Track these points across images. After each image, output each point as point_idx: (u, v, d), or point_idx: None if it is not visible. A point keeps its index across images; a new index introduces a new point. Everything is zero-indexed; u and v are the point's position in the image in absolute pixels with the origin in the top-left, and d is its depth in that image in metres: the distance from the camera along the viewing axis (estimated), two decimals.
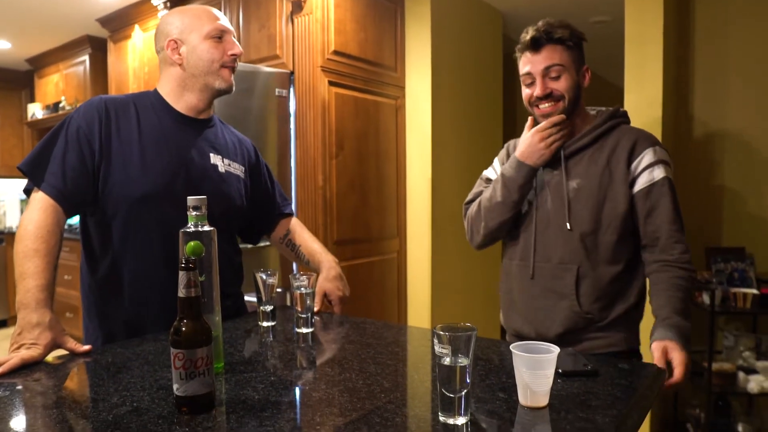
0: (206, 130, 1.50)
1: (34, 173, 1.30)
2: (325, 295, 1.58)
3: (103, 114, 1.36)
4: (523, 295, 1.54)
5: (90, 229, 1.40)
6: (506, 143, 1.70)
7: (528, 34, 1.45)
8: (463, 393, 0.83)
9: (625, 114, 1.54)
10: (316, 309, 1.47)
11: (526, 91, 1.49)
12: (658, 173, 1.42)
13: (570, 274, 1.46)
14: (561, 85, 1.44)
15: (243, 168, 1.57)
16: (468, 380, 0.83)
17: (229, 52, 1.44)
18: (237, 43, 1.47)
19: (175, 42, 1.43)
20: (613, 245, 1.44)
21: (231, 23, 2.19)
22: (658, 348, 1.29)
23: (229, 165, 1.52)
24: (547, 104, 1.46)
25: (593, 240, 1.45)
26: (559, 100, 1.45)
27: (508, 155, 1.63)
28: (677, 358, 1.27)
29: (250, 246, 1.80)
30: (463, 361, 0.83)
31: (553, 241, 1.49)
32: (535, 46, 1.44)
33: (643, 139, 1.46)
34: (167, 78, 1.46)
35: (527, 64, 1.47)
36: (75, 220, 1.43)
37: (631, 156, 1.44)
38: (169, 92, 1.46)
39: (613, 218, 1.43)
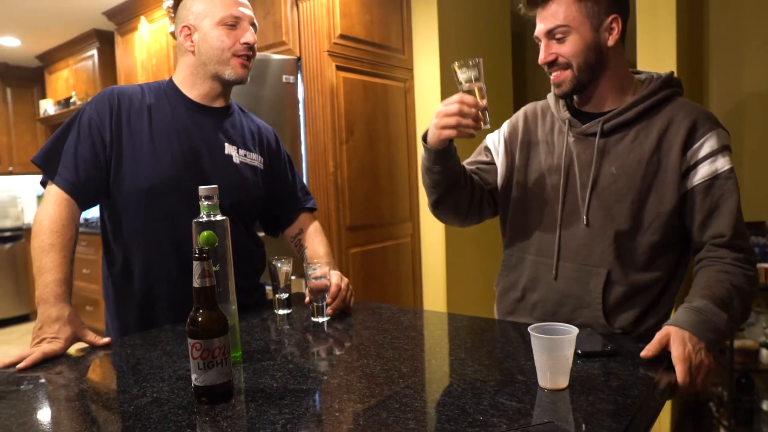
0: (222, 119, 1.47)
1: (48, 166, 1.30)
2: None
3: (115, 105, 1.35)
4: (540, 296, 1.30)
5: (105, 221, 1.41)
6: (522, 109, 1.46)
7: None
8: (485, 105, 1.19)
9: (679, 83, 1.26)
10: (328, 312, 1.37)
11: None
12: (723, 163, 1.16)
13: (597, 280, 1.22)
14: (566, 50, 1.20)
15: (261, 159, 1.53)
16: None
17: (242, 40, 1.38)
18: (252, 31, 1.42)
19: (189, 28, 1.40)
20: (652, 248, 1.20)
21: None
22: (657, 335, 1.00)
23: (245, 156, 1.48)
24: (554, 72, 1.24)
25: (630, 240, 1.20)
26: (566, 68, 1.22)
27: (516, 128, 1.41)
28: (675, 353, 0.96)
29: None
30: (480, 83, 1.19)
31: (579, 236, 1.25)
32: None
33: (705, 119, 1.18)
34: (182, 65, 1.44)
35: (538, 22, 1.24)
36: (93, 213, 1.43)
37: (690, 139, 1.17)
38: (182, 80, 1.44)
39: (657, 216, 1.19)
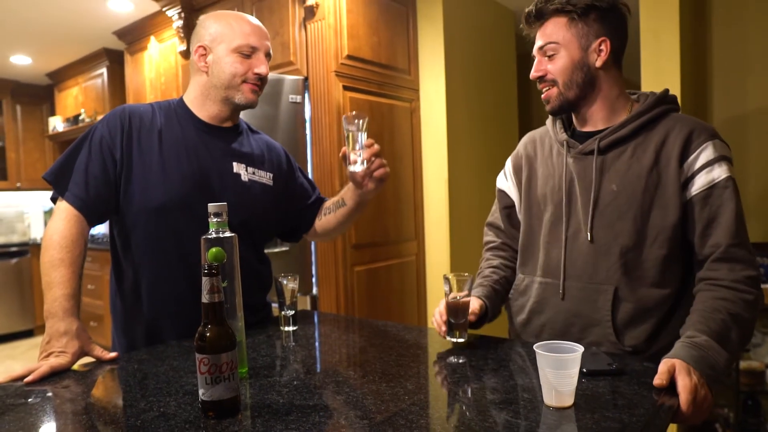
0: (231, 139, 1.48)
1: (59, 183, 1.32)
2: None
3: (126, 123, 1.37)
4: (547, 317, 1.32)
5: (115, 237, 1.42)
6: (521, 141, 1.50)
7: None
8: (462, 321, 1.21)
9: (674, 99, 1.28)
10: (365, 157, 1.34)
11: None
12: (720, 172, 1.16)
13: (605, 297, 1.22)
14: (553, 67, 1.26)
15: (271, 175, 1.54)
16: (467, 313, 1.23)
17: (254, 70, 1.40)
18: (266, 62, 1.43)
19: (204, 48, 1.41)
20: (661, 263, 1.20)
21: None
22: (664, 365, 0.99)
23: (254, 173, 1.49)
24: (543, 89, 1.30)
25: (636, 256, 1.21)
26: (553, 85, 1.27)
27: (519, 160, 1.44)
28: (681, 383, 0.96)
29: (275, 250, 1.78)
30: (465, 296, 1.21)
31: (584, 255, 1.26)
32: (537, 17, 1.28)
33: (701, 130, 1.19)
34: (194, 84, 1.45)
35: (536, 39, 1.30)
36: (97, 230, 1.43)
37: (685, 151, 1.18)
38: (193, 99, 1.45)
39: (662, 230, 1.19)
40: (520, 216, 1.43)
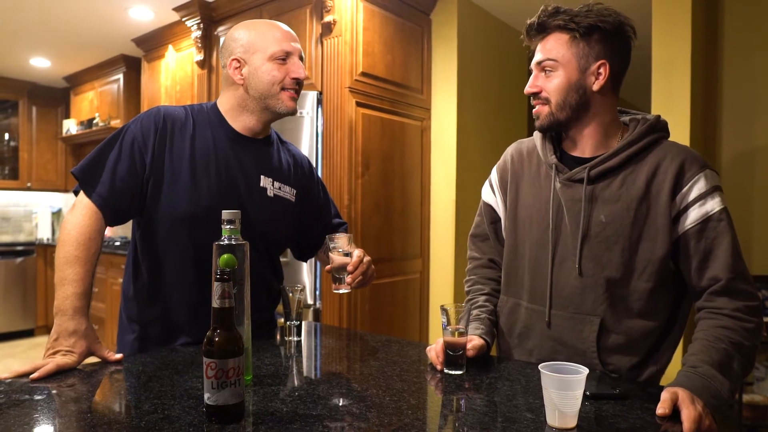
0: (261, 151, 1.47)
1: (86, 179, 1.31)
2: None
3: (160, 126, 1.35)
4: (534, 343, 1.31)
5: (136, 240, 1.42)
6: (508, 150, 1.44)
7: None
8: (460, 353, 1.17)
9: (665, 126, 1.25)
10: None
11: None
12: (713, 204, 1.14)
13: (590, 328, 1.21)
14: (549, 85, 1.22)
15: (294, 191, 1.53)
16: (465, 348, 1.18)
17: (292, 75, 1.39)
18: (302, 65, 1.42)
19: (238, 61, 1.39)
20: (648, 295, 1.18)
21: None
22: (666, 394, 0.97)
23: (279, 188, 1.48)
24: (536, 104, 1.26)
25: (623, 288, 1.19)
26: (545, 103, 1.24)
27: (506, 174, 1.40)
28: (685, 412, 0.93)
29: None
30: (461, 329, 1.17)
31: (570, 285, 1.24)
32: (538, 30, 1.24)
33: (692, 161, 1.17)
34: (228, 95, 1.44)
35: (536, 53, 1.26)
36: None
37: (678, 183, 1.16)
38: (228, 110, 1.43)
39: (650, 263, 1.17)
40: (504, 234, 1.40)
